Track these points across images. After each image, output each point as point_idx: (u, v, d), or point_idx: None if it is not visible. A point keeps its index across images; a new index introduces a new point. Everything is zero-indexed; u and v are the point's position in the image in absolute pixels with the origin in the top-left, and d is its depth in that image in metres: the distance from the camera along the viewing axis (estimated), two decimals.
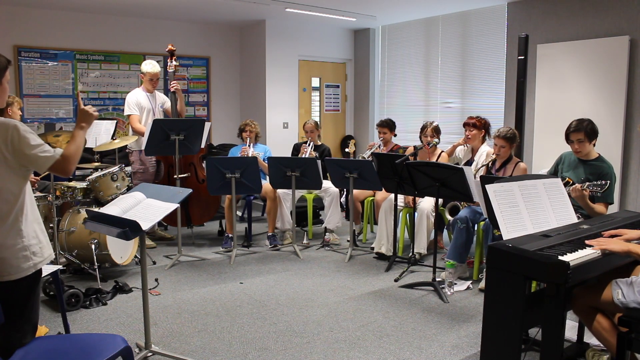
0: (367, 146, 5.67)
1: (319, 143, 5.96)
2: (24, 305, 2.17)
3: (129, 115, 5.19)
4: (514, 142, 4.23)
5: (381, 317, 3.54)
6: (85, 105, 2.37)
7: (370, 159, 5.28)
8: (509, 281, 2.30)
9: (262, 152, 5.57)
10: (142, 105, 5.17)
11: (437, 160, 4.94)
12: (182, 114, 5.43)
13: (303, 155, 5.57)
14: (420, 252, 4.72)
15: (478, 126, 4.75)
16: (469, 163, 4.79)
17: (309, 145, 5.68)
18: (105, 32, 6.78)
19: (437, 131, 4.97)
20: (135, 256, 4.45)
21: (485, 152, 4.69)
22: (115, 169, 4.40)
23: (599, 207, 3.49)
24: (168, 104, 5.35)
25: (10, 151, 2.07)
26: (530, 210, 2.60)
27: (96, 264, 3.97)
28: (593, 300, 2.46)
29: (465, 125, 4.86)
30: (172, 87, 5.21)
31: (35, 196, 3.86)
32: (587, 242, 2.35)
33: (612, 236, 2.50)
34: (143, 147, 4.75)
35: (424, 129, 5.01)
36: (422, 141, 5.03)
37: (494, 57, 6.41)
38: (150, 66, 5.18)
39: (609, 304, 2.38)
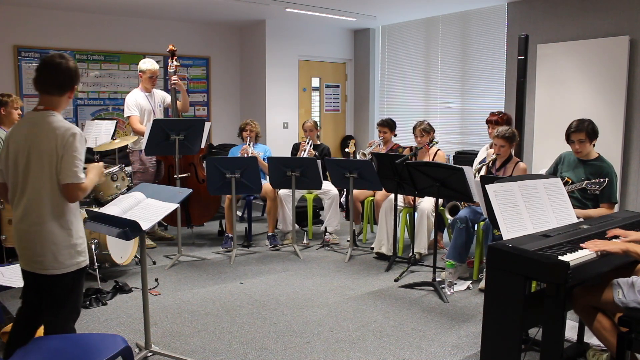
0: (367, 144, 5.67)
1: (318, 142, 5.96)
2: (67, 297, 2.38)
3: (129, 117, 5.18)
4: (514, 141, 4.23)
5: (381, 317, 3.54)
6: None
7: (370, 156, 5.29)
8: (509, 281, 2.30)
9: (262, 152, 5.57)
10: (142, 106, 5.15)
11: (433, 158, 4.94)
12: (186, 110, 5.42)
13: (302, 153, 5.57)
14: (421, 252, 4.72)
15: (501, 122, 4.71)
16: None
17: (308, 143, 5.68)
18: (105, 32, 6.78)
19: (426, 130, 4.94)
20: (135, 256, 4.45)
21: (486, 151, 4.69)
22: (115, 169, 4.40)
23: (596, 211, 3.48)
24: (169, 99, 5.33)
25: (61, 152, 2.26)
26: (530, 210, 2.60)
27: (96, 264, 3.97)
28: (593, 300, 2.46)
29: (488, 122, 4.81)
30: (173, 82, 5.20)
31: None
32: (582, 245, 2.34)
33: (616, 236, 2.50)
34: (143, 147, 4.75)
35: (414, 129, 5.00)
36: (415, 141, 5.04)
37: (494, 57, 6.41)
38: (149, 63, 5.17)
39: (610, 304, 2.38)
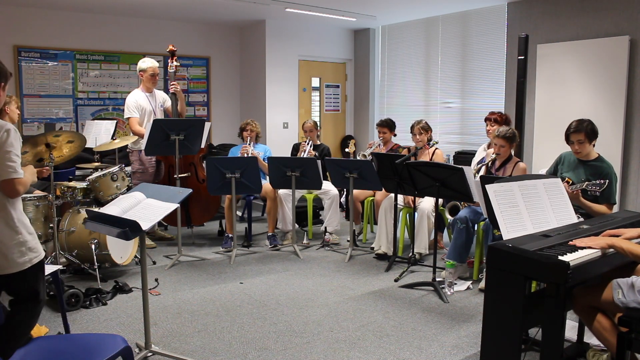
0: (367, 145, 5.67)
1: (318, 143, 5.96)
2: (34, 293, 2.39)
3: (128, 118, 5.17)
4: (514, 141, 4.23)
5: (381, 317, 3.54)
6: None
7: (370, 157, 5.29)
8: (509, 281, 2.30)
9: (262, 152, 5.57)
10: (143, 106, 5.14)
11: (431, 158, 4.94)
12: (183, 115, 5.42)
13: (302, 153, 5.57)
14: (421, 252, 4.72)
15: (499, 121, 4.72)
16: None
17: (308, 143, 5.68)
18: (105, 32, 6.78)
19: (425, 129, 4.94)
20: (135, 256, 4.45)
21: (486, 151, 4.69)
22: (115, 169, 4.39)
23: (599, 207, 3.49)
24: (168, 102, 5.33)
25: None
26: (530, 210, 2.60)
27: (96, 264, 3.97)
28: (593, 300, 2.46)
29: (486, 120, 4.83)
30: (172, 88, 5.20)
31: (35, 196, 3.90)
32: (570, 242, 2.35)
33: (612, 236, 2.50)
34: (143, 148, 4.75)
35: (412, 128, 5.01)
36: (413, 140, 5.04)
37: (494, 57, 6.41)
38: (149, 62, 5.16)
39: (609, 304, 2.38)
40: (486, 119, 4.85)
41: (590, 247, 2.32)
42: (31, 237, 2.38)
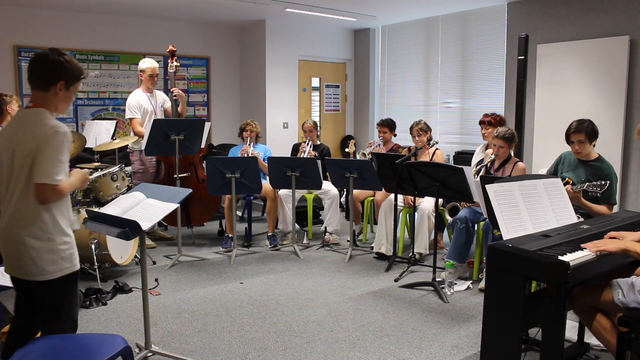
0: (367, 144, 5.66)
1: (318, 143, 5.96)
2: (58, 306, 2.26)
3: (130, 119, 5.18)
4: (513, 142, 4.23)
5: (381, 317, 3.54)
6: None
7: (369, 156, 5.29)
8: (509, 281, 2.30)
9: (262, 152, 5.57)
10: (144, 107, 5.15)
11: (431, 158, 4.94)
12: (183, 116, 5.43)
13: (302, 155, 5.57)
14: (421, 252, 4.72)
15: (493, 123, 4.73)
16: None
17: (307, 144, 5.68)
18: (105, 32, 6.78)
19: (424, 130, 4.94)
20: (135, 256, 4.45)
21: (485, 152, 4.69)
22: (115, 169, 4.40)
23: (600, 207, 3.49)
24: (168, 103, 5.34)
25: (40, 150, 2.11)
26: (530, 210, 2.60)
27: (96, 264, 3.97)
28: (593, 300, 2.46)
29: (481, 123, 4.83)
30: (174, 92, 5.21)
31: None
32: (582, 245, 2.34)
33: (613, 238, 2.50)
34: (143, 148, 4.75)
35: (412, 129, 5.01)
36: (413, 141, 5.05)
37: (494, 57, 6.41)
38: (148, 62, 5.17)
39: (609, 304, 2.38)
40: (480, 122, 4.86)
41: (605, 250, 2.30)
42: (66, 247, 2.24)
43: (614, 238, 2.48)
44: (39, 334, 2.51)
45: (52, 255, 2.19)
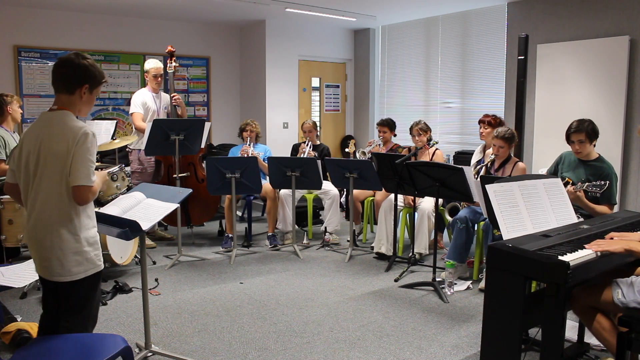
0: (367, 143, 5.66)
1: (318, 143, 5.96)
2: (82, 305, 2.32)
3: (132, 113, 5.20)
4: (513, 142, 4.23)
5: (381, 317, 3.54)
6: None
7: (369, 155, 5.29)
8: (509, 281, 2.30)
9: (262, 152, 5.57)
10: (148, 105, 5.18)
11: (431, 158, 4.95)
12: (183, 117, 5.44)
13: (302, 155, 5.56)
14: (421, 252, 4.72)
15: (493, 124, 4.73)
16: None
17: (307, 145, 5.68)
18: (105, 32, 6.78)
19: (424, 130, 4.95)
20: (135, 256, 4.45)
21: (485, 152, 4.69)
22: (115, 169, 4.39)
23: (600, 207, 3.49)
24: (170, 106, 5.35)
25: (72, 153, 2.18)
26: (530, 210, 2.60)
27: None
28: (593, 300, 2.46)
29: (480, 122, 4.83)
30: (175, 97, 5.23)
31: None
32: (585, 246, 2.34)
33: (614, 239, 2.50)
34: (143, 147, 4.75)
35: (411, 129, 5.01)
36: (413, 141, 5.05)
37: (494, 57, 6.41)
38: (153, 63, 5.21)
39: (609, 304, 2.37)
40: (480, 121, 4.86)
41: (608, 250, 2.30)
42: (91, 249, 2.30)
43: (615, 239, 2.48)
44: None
45: (77, 256, 2.25)
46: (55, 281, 2.25)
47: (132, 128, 5.29)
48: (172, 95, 5.27)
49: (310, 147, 5.67)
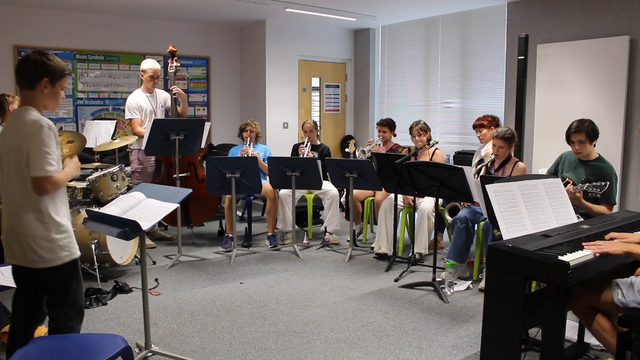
0: (367, 142, 5.65)
1: (318, 143, 5.96)
2: (62, 291, 2.36)
3: (130, 120, 5.19)
4: (513, 142, 4.23)
5: (381, 317, 3.54)
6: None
7: (369, 154, 5.29)
8: (509, 281, 2.30)
9: (262, 152, 5.57)
10: (143, 107, 5.16)
11: (431, 158, 4.95)
12: (185, 115, 5.42)
13: (302, 156, 5.56)
14: (421, 252, 4.72)
15: (486, 125, 4.74)
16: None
17: (306, 145, 5.67)
18: (105, 32, 6.78)
19: (424, 129, 4.95)
20: (135, 256, 4.45)
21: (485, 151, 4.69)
22: (115, 169, 4.40)
23: (599, 208, 3.49)
24: (169, 102, 5.34)
25: (27, 146, 2.23)
26: (530, 210, 2.60)
27: (96, 264, 3.97)
28: (593, 300, 2.46)
29: (474, 127, 4.85)
30: (174, 91, 5.21)
31: None
32: (585, 245, 2.34)
33: (613, 239, 2.50)
34: (143, 147, 4.75)
35: (411, 129, 5.01)
36: (413, 141, 5.05)
37: (494, 57, 6.41)
38: (150, 63, 5.19)
39: (609, 304, 2.38)
40: (474, 127, 4.87)
41: (607, 252, 2.30)
42: (63, 236, 2.34)
43: (614, 239, 2.48)
44: (39, 333, 2.52)
45: (49, 244, 2.31)
46: (32, 269, 2.31)
47: (132, 129, 5.29)
48: (171, 87, 5.23)
49: (309, 148, 5.65)
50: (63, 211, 2.39)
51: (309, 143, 5.71)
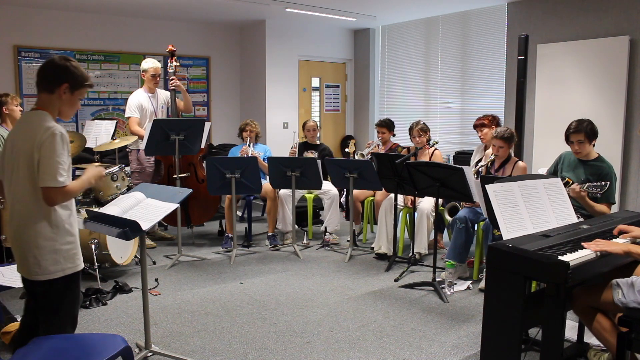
0: (366, 144, 5.65)
1: (318, 143, 5.96)
2: (58, 305, 2.29)
3: (128, 118, 5.19)
4: (512, 142, 4.23)
5: (381, 317, 3.54)
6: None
7: (368, 156, 5.29)
8: (509, 281, 2.30)
9: (262, 152, 5.57)
10: (144, 107, 5.15)
11: (430, 158, 4.95)
12: (189, 110, 5.40)
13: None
14: (421, 252, 4.72)
15: (487, 124, 4.74)
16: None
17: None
18: (105, 32, 6.78)
19: (424, 130, 4.95)
20: (135, 256, 4.45)
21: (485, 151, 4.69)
22: (115, 169, 4.40)
23: (600, 207, 3.49)
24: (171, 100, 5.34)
25: (37, 154, 2.16)
26: (530, 210, 2.60)
27: (96, 264, 3.97)
28: (593, 300, 2.46)
29: (475, 127, 4.85)
30: (172, 84, 5.20)
31: None
32: (584, 244, 2.34)
33: (621, 232, 2.50)
34: (142, 147, 4.75)
35: (411, 130, 5.01)
36: (412, 142, 5.05)
37: (494, 57, 6.41)
38: (151, 62, 5.18)
39: (609, 304, 2.38)
40: (475, 127, 4.87)
41: (606, 251, 2.30)
42: (70, 247, 2.29)
43: (625, 232, 2.49)
44: None
45: (54, 255, 2.24)
46: (32, 280, 2.25)
47: (129, 128, 5.28)
48: (170, 81, 5.19)
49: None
50: (70, 221, 2.33)
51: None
